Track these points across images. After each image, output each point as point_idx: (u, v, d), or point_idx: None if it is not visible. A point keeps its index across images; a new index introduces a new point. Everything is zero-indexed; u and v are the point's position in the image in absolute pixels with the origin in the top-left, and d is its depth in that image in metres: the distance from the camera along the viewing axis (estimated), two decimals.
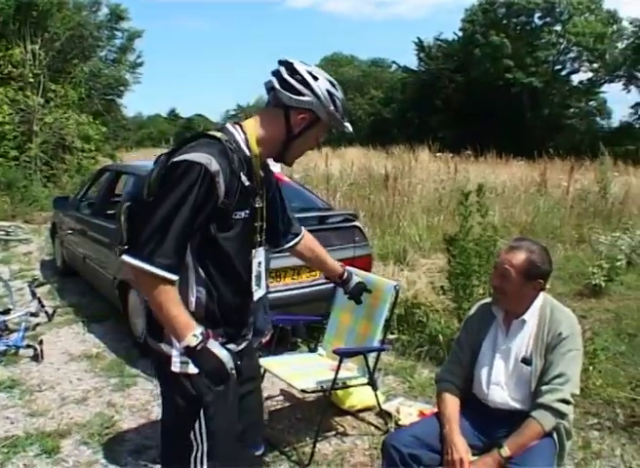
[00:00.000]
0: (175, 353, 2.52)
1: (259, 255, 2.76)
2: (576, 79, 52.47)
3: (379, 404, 4.81)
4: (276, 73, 2.56)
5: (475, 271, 6.08)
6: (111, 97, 29.42)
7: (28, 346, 6.33)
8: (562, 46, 50.56)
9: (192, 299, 2.52)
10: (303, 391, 4.41)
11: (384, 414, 4.88)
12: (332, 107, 2.55)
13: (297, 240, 3.14)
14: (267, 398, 5.17)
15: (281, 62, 2.58)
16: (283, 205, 3.02)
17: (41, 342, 6.38)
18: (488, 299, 3.61)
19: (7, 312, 6.93)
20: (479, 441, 3.29)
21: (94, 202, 8.60)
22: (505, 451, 3.04)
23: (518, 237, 3.57)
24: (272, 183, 2.84)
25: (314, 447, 4.35)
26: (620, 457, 4.36)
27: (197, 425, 2.56)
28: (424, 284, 8.24)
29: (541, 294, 3.35)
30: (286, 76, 2.51)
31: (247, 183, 2.51)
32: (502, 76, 47.26)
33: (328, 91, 2.55)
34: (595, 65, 50.51)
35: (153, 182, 2.48)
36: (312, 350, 5.19)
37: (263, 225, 2.73)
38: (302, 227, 3.20)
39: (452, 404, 3.35)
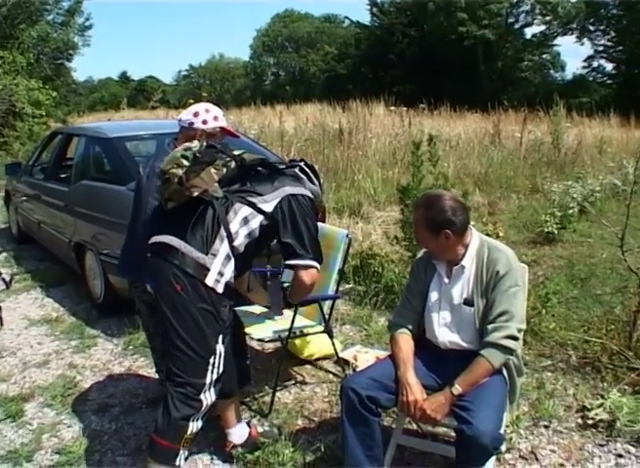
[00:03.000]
0: (214, 268, 3.22)
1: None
2: (529, 32, 52.72)
3: (336, 352, 4.88)
4: None
5: None
6: (61, 62, 28.91)
7: None
8: None
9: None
10: (260, 340, 4.47)
11: (342, 362, 4.97)
12: None
13: None
14: None
15: None
16: None
17: (0, 309, 6.35)
18: None
19: None
20: (433, 381, 3.37)
21: (46, 166, 8.54)
22: (457, 389, 3.12)
23: (423, 193, 3.64)
24: None
25: (273, 395, 4.42)
26: (573, 396, 4.50)
27: (217, 347, 3.29)
28: (379, 235, 8.36)
29: (477, 238, 3.42)
30: None
31: None
32: (456, 29, 47.24)
33: None
34: (548, 18, 50.62)
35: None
36: None
37: None
38: None
39: (405, 346, 3.42)
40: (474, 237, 3.41)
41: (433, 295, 3.47)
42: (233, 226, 3.34)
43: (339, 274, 4.71)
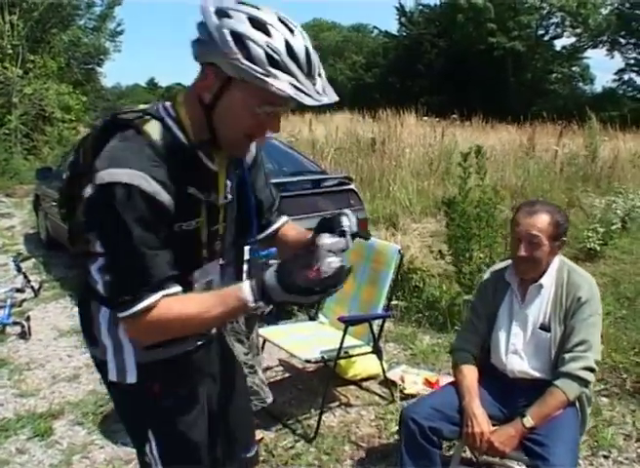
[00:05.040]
0: (110, 357, 2.05)
1: (208, 273, 2.09)
2: (559, 44, 52.33)
3: (384, 373, 4.65)
4: None
5: (476, 235, 5.90)
6: (91, 67, 28.91)
7: (15, 323, 6.14)
8: (545, 10, 50.13)
9: None
10: (307, 361, 4.24)
11: (389, 383, 4.72)
12: (239, 55, 1.66)
13: (272, 230, 2.36)
14: (267, 369, 5.01)
15: None
16: (260, 188, 2.30)
17: (28, 319, 6.16)
18: (500, 265, 3.43)
19: None
20: (499, 411, 3.16)
21: None
22: (529, 421, 2.90)
23: (527, 201, 3.35)
24: (240, 167, 2.17)
25: (320, 419, 4.19)
26: (632, 424, 4.27)
27: (148, 448, 2.12)
28: (418, 248, 8.14)
29: (558, 257, 3.17)
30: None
31: (190, 190, 1.91)
32: (485, 40, 46.96)
33: (235, 32, 1.68)
34: (578, 31, 50.19)
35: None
36: (312, 318, 5.00)
37: (223, 232, 2.10)
38: (284, 216, 2.41)
39: (470, 374, 3.19)
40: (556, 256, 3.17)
41: (503, 318, 3.22)
42: None
43: (389, 291, 4.46)
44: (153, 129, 1.85)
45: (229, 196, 2.08)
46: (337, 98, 1.80)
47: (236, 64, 1.66)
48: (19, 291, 6.88)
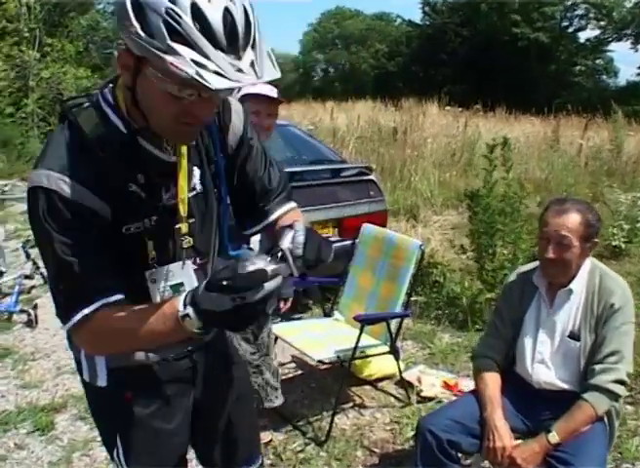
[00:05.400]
0: (82, 357, 1.92)
1: (171, 275, 1.80)
2: (583, 36, 51.75)
3: (400, 374, 4.43)
4: None
5: (500, 230, 5.67)
6: (110, 51, 28.70)
7: (22, 311, 5.96)
8: (569, 2, 49.58)
9: None
10: (320, 362, 4.04)
11: (405, 384, 4.51)
12: (138, 28, 1.36)
13: (267, 222, 1.97)
14: (279, 365, 4.79)
15: None
16: (256, 170, 1.96)
17: (35, 307, 6.01)
18: (527, 267, 3.20)
19: (0, 275, 6.55)
20: (522, 423, 2.95)
21: None
22: (554, 437, 2.69)
23: (556, 199, 3.09)
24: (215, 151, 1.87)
25: (332, 422, 3.99)
26: None
27: (115, 453, 1.97)
28: (439, 241, 7.94)
29: (589, 259, 2.93)
30: None
31: (140, 183, 1.67)
32: (509, 31, 46.49)
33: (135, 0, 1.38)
34: (602, 23, 49.62)
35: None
36: (327, 314, 4.78)
37: (188, 230, 1.82)
38: (288, 204, 2.01)
39: (492, 383, 2.97)
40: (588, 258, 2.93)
41: (530, 324, 2.99)
42: None
43: (409, 288, 4.25)
44: (87, 118, 1.62)
45: (198, 187, 1.82)
46: (273, 76, 1.46)
47: (135, 39, 1.38)
48: (27, 277, 6.73)
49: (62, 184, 1.53)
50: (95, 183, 1.57)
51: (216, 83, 1.35)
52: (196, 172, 1.81)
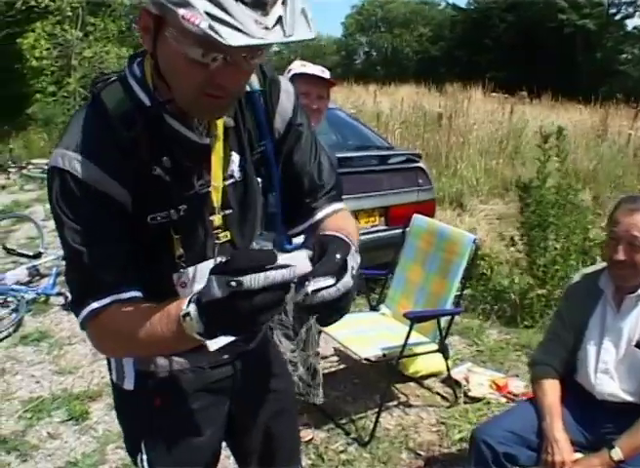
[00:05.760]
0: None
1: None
2: (630, 24, 50.81)
3: (449, 371, 4.24)
4: None
5: (553, 223, 5.43)
6: None
7: (59, 294, 5.86)
8: None
9: None
10: (367, 360, 3.85)
11: (452, 383, 4.32)
12: None
13: (310, 222, 1.72)
14: (321, 359, 4.63)
15: None
16: (305, 162, 1.72)
17: None
18: (593, 268, 2.99)
19: (38, 256, 6.49)
20: (581, 436, 2.75)
21: None
22: (617, 454, 2.51)
23: (628, 196, 2.85)
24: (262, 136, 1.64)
25: (376, 422, 3.80)
26: None
27: (139, 459, 1.79)
28: (485, 232, 7.72)
29: None
30: None
31: (166, 166, 1.47)
32: (555, 17, 45.81)
33: None
34: None
35: None
36: (374, 308, 4.59)
37: (223, 222, 1.60)
38: (337, 203, 1.76)
39: (552, 392, 2.78)
40: None
41: (593, 330, 2.77)
42: None
43: (461, 284, 4.05)
44: (112, 92, 1.45)
45: (237, 174, 1.59)
46: (304, 36, 1.24)
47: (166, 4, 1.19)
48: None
49: (76, 164, 1.38)
50: (114, 166, 1.40)
51: (231, 39, 1.14)
52: (235, 157, 1.59)
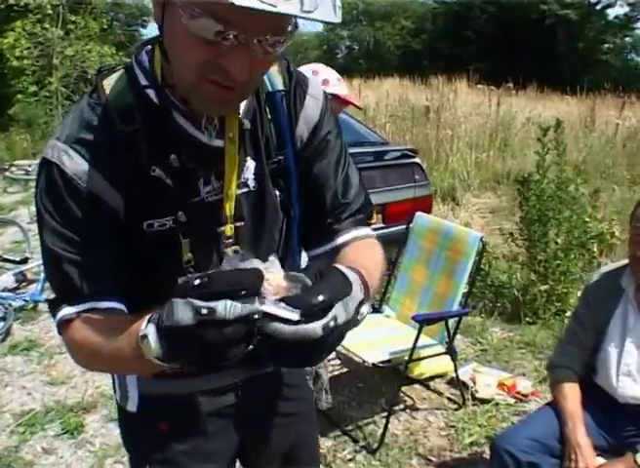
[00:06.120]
0: (115, 375, 1.67)
1: None
2: (611, 13, 50.96)
3: (456, 373, 4.12)
4: None
5: (553, 218, 5.33)
6: (135, 28, 28.43)
7: (48, 300, 5.66)
8: None
9: None
10: (374, 365, 3.71)
11: (459, 384, 4.19)
12: None
13: (331, 246, 1.49)
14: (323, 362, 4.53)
15: None
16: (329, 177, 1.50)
17: None
18: (613, 266, 2.88)
19: (24, 261, 6.34)
20: (603, 440, 2.66)
21: None
22: None
23: None
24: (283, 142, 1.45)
25: (385, 429, 3.68)
26: None
27: None
28: (480, 226, 7.64)
29: None
30: None
31: (167, 167, 1.31)
32: (537, 8, 45.85)
33: None
34: (632, 0, 48.83)
35: None
36: (377, 309, 4.44)
37: (233, 233, 1.41)
38: (363, 228, 1.54)
39: (572, 396, 2.69)
40: None
41: (615, 332, 2.68)
42: None
43: (468, 285, 3.93)
44: (114, 81, 1.32)
45: (251, 183, 1.41)
46: (327, 18, 1.05)
47: None
48: None
49: (64, 157, 1.25)
50: (107, 163, 1.26)
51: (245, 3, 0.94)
52: (250, 164, 1.40)
